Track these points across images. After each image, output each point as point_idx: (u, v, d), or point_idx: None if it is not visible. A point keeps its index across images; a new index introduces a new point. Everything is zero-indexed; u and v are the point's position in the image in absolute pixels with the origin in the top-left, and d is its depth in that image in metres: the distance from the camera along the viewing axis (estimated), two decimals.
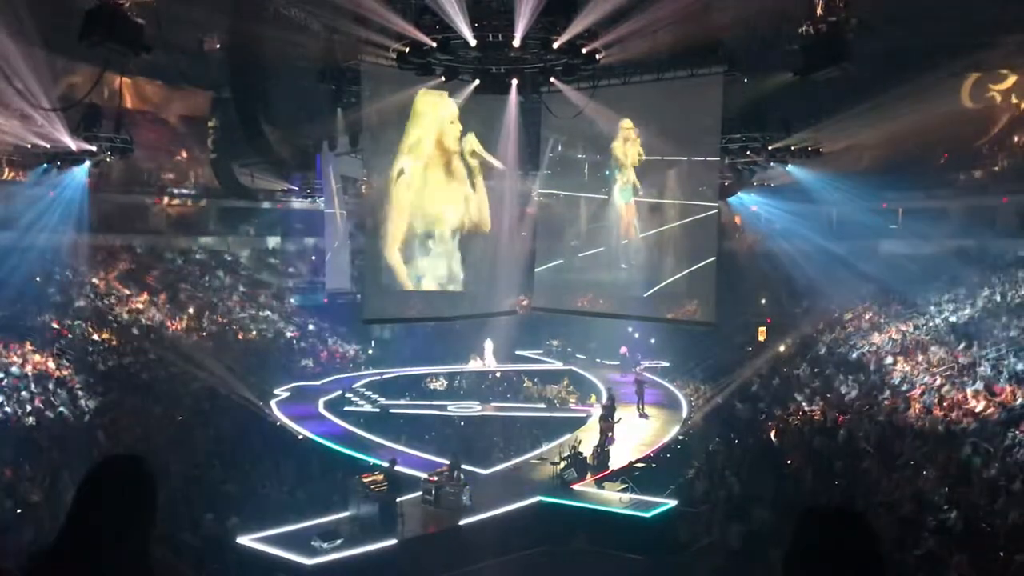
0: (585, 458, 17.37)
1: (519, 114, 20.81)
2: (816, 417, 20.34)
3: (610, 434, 18.96)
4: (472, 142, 21.32)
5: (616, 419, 19.26)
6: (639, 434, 20.75)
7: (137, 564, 2.25)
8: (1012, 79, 28.88)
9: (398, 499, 14.05)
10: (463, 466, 15.93)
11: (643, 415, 22.42)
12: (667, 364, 28.49)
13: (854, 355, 24.00)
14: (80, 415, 18.00)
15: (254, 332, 28.37)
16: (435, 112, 20.63)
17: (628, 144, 21.01)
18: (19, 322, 20.92)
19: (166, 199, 32.37)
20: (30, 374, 18.62)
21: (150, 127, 30.66)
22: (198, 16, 21.31)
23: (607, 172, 22.02)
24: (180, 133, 32.34)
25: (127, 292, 26.07)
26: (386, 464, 15.02)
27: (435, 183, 21.24)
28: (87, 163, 21.69)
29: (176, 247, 31.19)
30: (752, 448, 19.52)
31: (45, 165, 22.04)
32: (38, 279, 23.51)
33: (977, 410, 17.21)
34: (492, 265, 22.48)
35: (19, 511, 13.44)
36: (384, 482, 14.11)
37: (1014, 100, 28.95)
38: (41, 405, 17.56)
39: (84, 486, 2.24)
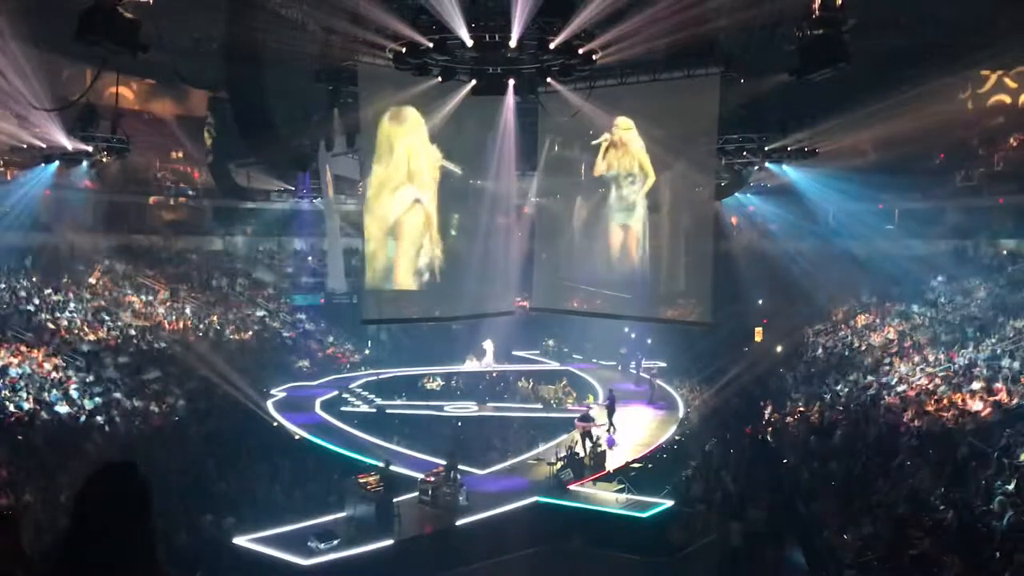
0: (582, 458, 17.40)
1: (516, 115, 20.80)
2: (812, 417, 20.37)
3: (610, 432, 19.17)
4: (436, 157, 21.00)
5: (601, 423, 19.52)
6: (636, 434, 20.77)
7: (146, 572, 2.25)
8: (1009, 80, 28.93)
9: (394, 499, 14.06)
10: (460, 466, 15.95)
11: (658, 406, 23.51)
12: (664, 364, 28.51)
13: (850, 355, 24.05)
14: (76, 415, 17.94)
15: (251, 332, 28.32)
16: (405, 139, 20.40)
17: (629, 146, 21.00)
18: (15, 322, 20.87)
19: (163, 199, 32.34)
20: (26, 374, 18.56)
21: (147, 127, 30.59)
22: (194, 15, 21.24)
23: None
24: (177, 133, 32.26)
25: (124, 292, 26.02)
26: (382, 465, 15.02)
27: (408, 199, 21.06)
28: (85, 163, 21.66)
29: (173, 247, 31.15)
30: (748, 448, 19.55)
31: (42, 164, 22.00)
32: (35, 279, 23.49)
33: (973, 410, 17.23)
34: (489, 266, 22.45)
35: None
36: (380, 483, 14.11)
37: (1010, 101, 29.00)
38: (37, 405, 17.51)
39: (80, 499, 2.23)
